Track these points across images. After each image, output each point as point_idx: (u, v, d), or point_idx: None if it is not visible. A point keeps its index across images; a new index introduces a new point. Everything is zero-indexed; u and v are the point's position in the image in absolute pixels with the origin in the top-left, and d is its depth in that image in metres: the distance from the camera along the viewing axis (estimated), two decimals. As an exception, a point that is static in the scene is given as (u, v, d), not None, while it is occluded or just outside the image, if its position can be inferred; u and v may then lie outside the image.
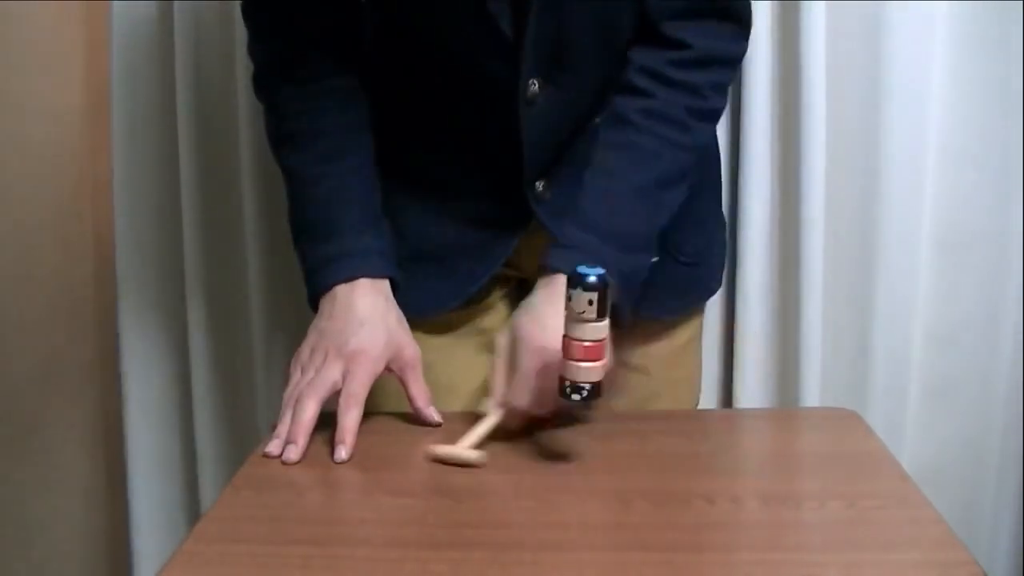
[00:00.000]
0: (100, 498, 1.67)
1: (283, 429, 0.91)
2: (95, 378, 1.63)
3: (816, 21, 1.34)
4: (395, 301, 0.98)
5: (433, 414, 0.95)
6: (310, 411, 0.90)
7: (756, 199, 1.40)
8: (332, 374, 0.92)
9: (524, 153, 0.99)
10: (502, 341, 0.92)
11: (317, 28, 1.00)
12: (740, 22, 1.00)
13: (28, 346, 1.58)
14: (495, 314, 1.12)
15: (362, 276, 0.96)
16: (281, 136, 1.03)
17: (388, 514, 0.78)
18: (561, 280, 0.87)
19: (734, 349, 1.47)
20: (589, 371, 0.81)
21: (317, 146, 1.00)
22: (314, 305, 0.99)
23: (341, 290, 0.95)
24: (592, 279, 0.80)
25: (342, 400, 0.91)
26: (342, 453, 0.87)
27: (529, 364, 0.87)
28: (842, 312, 1.46)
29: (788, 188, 1.41)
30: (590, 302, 0.80)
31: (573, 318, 0.81)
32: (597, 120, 1.01)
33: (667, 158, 0.97)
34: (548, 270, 0.93)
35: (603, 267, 0.89)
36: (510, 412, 0.88)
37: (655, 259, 1.01)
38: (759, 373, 1.47)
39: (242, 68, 1.44)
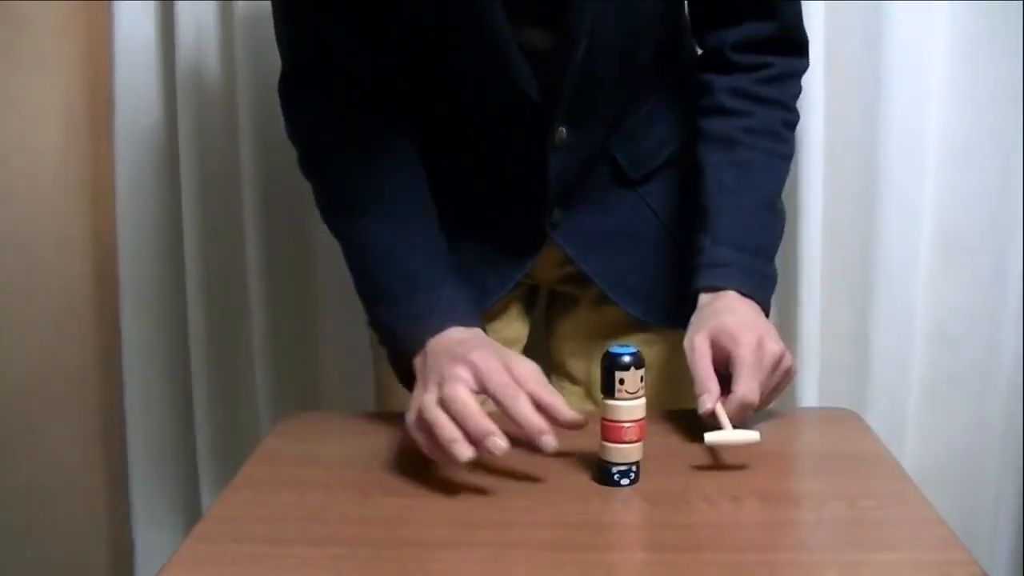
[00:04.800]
0: (100, 498, 1.67)
1: (447, 433, 0.78)
2: (95, 378, 1.63)
3: (814, 22, 1.34)
4: None
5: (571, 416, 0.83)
6: (471, 402, 0.79)
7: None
8: (460, 373, 0.82)
9: (549, 188, 1.01)
10: (697, 342, 0.88)
11: (359, 93, 0.97)
12: (800, 42, 1.04)
13: (28, 346, 1.58)
14: (507, 317, 1.13)
15: (452, 326, 0.90)
16: (340, 206, 1.00)
17: (388, 514, 0.78)
18: (727, 294, 0.92)
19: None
20: (639, 450, 0.81)
21: (384, 210, 0.97)
22: (401, 372, 0.93)
23: (433, 343, 0.88)
24: (634, 354, 0.79)
25: (499, 394, 0.80)
26: (552, 441, 0.78)
27: (755, 361, 0.86)
28: (842, 312, 1.46)
29: (786, 188, 1.41)
30: (641, 379, 0.79)
31: (625, 398, 0.79)
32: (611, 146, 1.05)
33: (776, 170, 1.02)
34: (706, 290, 0.94)
35: (757, 281, 0.94)
36: (742, 407, 0.85)
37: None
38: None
39: (243, 67, 1.44)
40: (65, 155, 1.56)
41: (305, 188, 1.49)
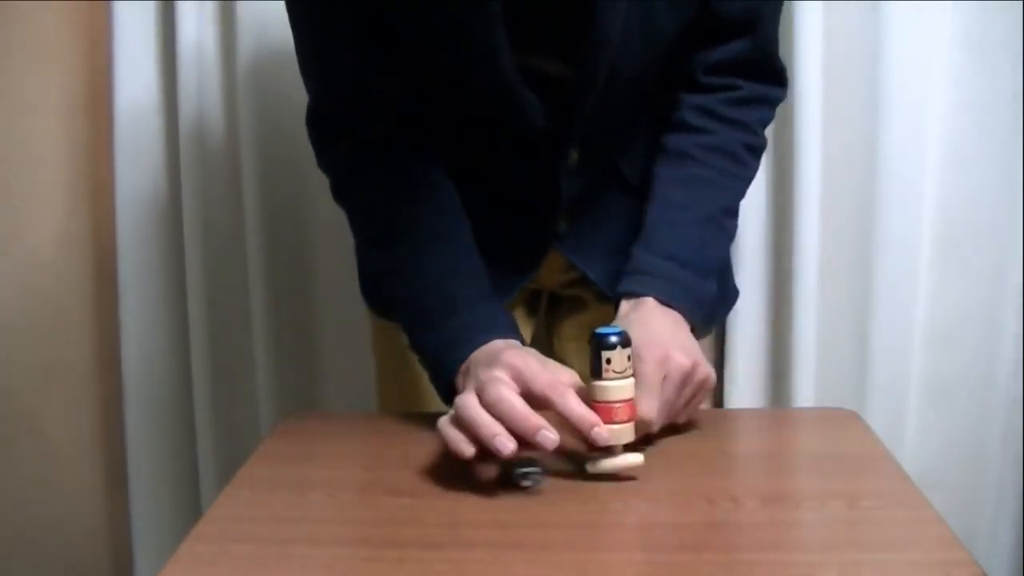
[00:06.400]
0: (100, 498, 1.67)
1: (488, 429, 0.77)
2: (95, 378, 1.63)
3: (813, 23, 1.35)
4: None
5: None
6: (517, 400, 0.78)
7: (751, 199, 1.40)
8: (499, 375, 0.81)
9: (558, 204, 1.02)
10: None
11: (385, 122, 0.97)
12: (774, 70, 1.04)
13: (28, 346, 1.58)
14: None
15: (493, 339, 0.89)
16: (375, 234, 1.00)
17: (388, 514, 0.78)
18: (647, 302, 0.91)
19: (725, 350, 1.47)
20: (631, 430, 0.80)
21: (418, 233, 0.96)
22: (445, 392, 0.91)
23: (474, 356, 0.88)
24: (620, 334, 0.79)
25: (547, 392, 0.80)
26: (604, 433, 0.78)
27: (657, 377, 0.84)
28: (842, 312, 1.46)
29: (783, 188, 1.41)
30: (628, 358, 0.79)
31: (612, 378, 0.79)
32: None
33: (727, 189, 1.01)
34: (625, 296, 0.94)
35: (682, 292, 0.93)
36: (640, 425, 0.83)
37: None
38: (752, 374, 1.48)
39: (244, 66, 1.45)
40: (65, 155, 1.56)
41: (305, 187, 1.50)
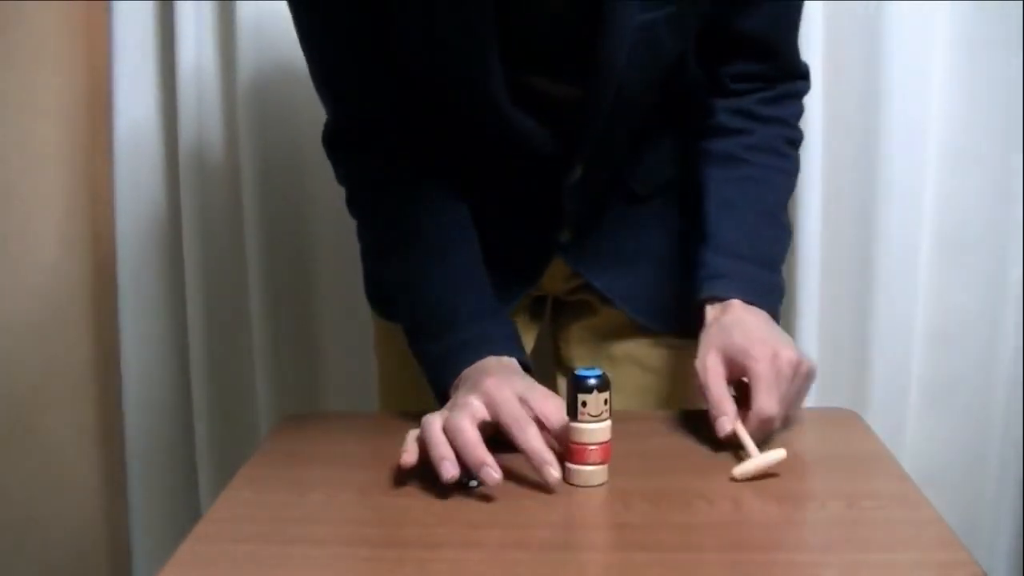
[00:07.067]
0: (100, 498, 1.67)
1: (438, 451, 0.80)
2: (95, 378, 1.63)
3: (813, 22, 1.35)
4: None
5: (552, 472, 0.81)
6: (472, 433, 0.80)
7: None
8: (471, 401, 0.83)
9: (561, 216, 1.03)
10: (709, 362, 0.88)
11: (394, 139, 0.99)
12: (799, 71, 1.06)
13: (28, 347, 1.58)
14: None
15: (487, 356, 0.91)
16: (384, 245, 1.02)
17: (388, 514, 0.78)
18: (734, 304, 0.92)
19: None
20: (604, 472, 0.81)
21: (424, 246, 0.98)
22: (442, 402, 0.92)
23: (466, 373, 0.90)
24: (600, 377, 0.79)
25: (511, 425, 0.81)
26: (555, 473, 0.79)
27: (772, 374, 0.85)
28: (842, 312, 1.46)
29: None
30: (605, 401, 0.79)
31: (587, 421, 0.79)
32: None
33: (777, 184, 1.03)
34: (711, 301, 0.94)
35: (759, 289, 0.94)
36: (762, 423, 0.84)
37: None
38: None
39: (243, 66, 1.44)
40: (65, 155, 1.56)
41: (305, 187, 1.50)
